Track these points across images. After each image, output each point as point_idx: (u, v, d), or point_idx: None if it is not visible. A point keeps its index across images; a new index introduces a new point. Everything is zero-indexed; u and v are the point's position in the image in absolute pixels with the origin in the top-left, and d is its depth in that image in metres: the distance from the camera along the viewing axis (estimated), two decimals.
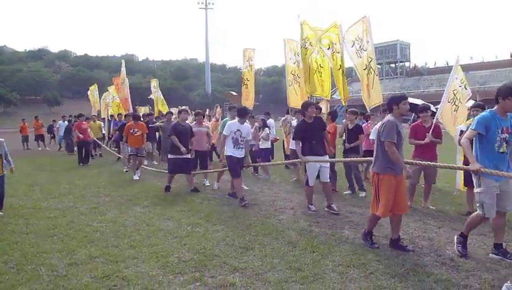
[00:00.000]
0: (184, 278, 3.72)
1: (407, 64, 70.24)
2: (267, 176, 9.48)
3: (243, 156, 6.94)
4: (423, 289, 3.42)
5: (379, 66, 64.70)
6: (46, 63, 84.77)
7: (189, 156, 8.07)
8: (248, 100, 11.34)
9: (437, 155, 6.39)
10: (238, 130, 6.83)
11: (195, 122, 8.99)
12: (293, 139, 6.48)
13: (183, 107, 10.41)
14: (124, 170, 10.94)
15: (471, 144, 4.17)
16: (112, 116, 18.21)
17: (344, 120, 7.87)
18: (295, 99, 9.81)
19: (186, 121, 8.62)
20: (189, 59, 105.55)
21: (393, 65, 69.28)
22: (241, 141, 6.86)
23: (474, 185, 4.21)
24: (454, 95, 6.78)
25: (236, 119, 7.01)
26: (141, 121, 10.92)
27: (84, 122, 13.50)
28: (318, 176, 6.24)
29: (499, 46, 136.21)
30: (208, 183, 8.64)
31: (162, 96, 17.37)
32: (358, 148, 7.71)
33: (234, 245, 4.59)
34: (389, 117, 4.42)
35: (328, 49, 8.14)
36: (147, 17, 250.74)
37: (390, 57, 67.09)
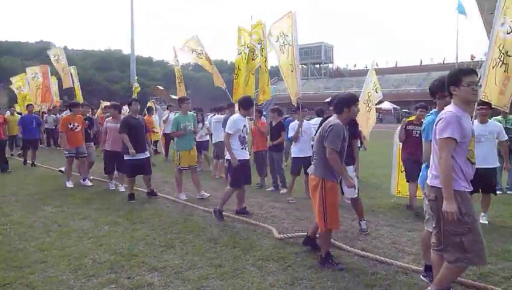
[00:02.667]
0: (98, 280, 3.54)
1: (330, 65, 74.08)
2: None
3: (248, 157, 5.84)
4: (336, 277, 3.62)
5: (304, 66, 67.40)
6: None
7: (148, 155, 7.00)
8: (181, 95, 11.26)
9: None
10: (245, 125, 5.64)
11: (110, 117, 7.67)
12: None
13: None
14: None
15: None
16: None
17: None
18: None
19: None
20: (113, 50, 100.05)
21: (317, 66, 72.55)
22: (246, 138, 5.74)
23: None
24: (369, 97, 7.28)
25: (239, 112, 5.74)
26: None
27: None
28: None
29: (411, 53, 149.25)
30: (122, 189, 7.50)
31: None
32: (282, 145, 7.93)
33: (154, 244, 4.47)
34: (335, 120, 3.87)
35: (259, 44, 8.29)
36: (65, 1, 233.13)
37: (315, 58, 70.10)
